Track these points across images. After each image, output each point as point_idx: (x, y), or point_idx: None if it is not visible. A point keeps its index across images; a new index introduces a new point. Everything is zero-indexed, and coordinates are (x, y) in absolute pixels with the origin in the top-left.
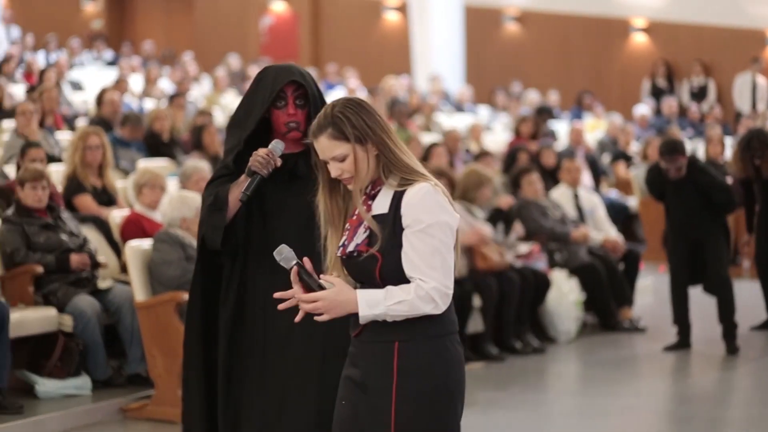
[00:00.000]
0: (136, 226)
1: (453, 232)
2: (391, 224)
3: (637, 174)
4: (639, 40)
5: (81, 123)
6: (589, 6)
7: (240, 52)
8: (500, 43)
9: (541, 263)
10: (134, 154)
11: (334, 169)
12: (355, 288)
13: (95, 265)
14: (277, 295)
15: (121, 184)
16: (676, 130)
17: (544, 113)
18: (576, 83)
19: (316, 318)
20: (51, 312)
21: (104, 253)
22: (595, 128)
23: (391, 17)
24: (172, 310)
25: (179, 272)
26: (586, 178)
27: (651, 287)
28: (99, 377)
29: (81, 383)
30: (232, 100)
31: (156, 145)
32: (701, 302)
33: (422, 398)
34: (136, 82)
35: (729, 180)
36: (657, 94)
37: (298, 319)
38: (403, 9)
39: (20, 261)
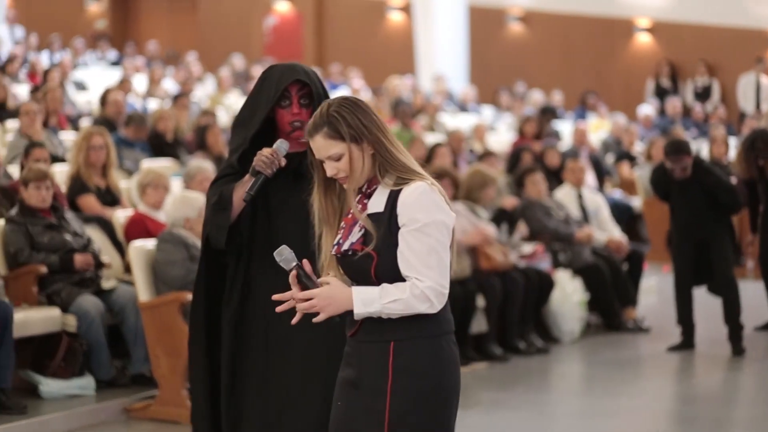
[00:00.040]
0: (139, 227)
1: (449, 231)
2: (387, 223)
3: (641, 174)
4: (643, 40)
5: (85, 123)
6: (593, 6)
7: (244, 53)
8: (504, 44)
9: (544, 263)
10: (138, 154)
11: (330, 169)
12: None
13: (99, 265)
14: (275, 297)
15: (124, 185)
16: (680, 131)
17: (547, 113)
18: (580, 83)
19: (314, 320)
20: (55, 312)
21: (108, 254)
22: (599, 128)
23: (395, 17)
24: (175, 310)
25: (183, 272)
26: (590, 178)
27: (655, 287)
28: (103, 377)
29: (85, 383)
30: (236, 101)
31: (160, 145)
32: (705, 303)
33: (417, 398)
34: (139, 82)
35: (733, 180)
36: (661, 94)
37: (294, 321)
38: (407, 9)
39: (24, 261)
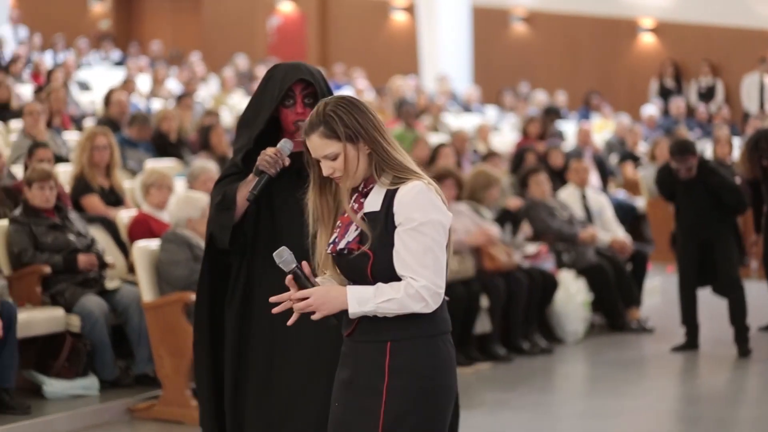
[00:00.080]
0: (143, 227)
1: (446, 231)
2: (383, 222)
3: (644, 174)
4: (647, 40)
5: (88, 123)
6: (597, 6)
7: (247, 53)
8: (508, 44)
9: (548, 264)
10: (142, 154)
11: (326, 168)
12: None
13: (103, 265)
14: (273, 299)
15: (128, 185)
16: (683, 131)
17: (551, 114)
18: (584, 83)
19: (312, 317)
20: (58, 312)
21: (112, 254)
22: (602, 129)
23: (399, 17)
24: (179, 310)
25: (187, 272)
26: (594, 178)
27: (659, 288)
28: (106, 377)
29: (88, 383)
30: (239, 101)
31: (163, 145)
32: (709, 303)
33: (413, 398)
34: (143, 82)
35: (737, 180)
36: (665, 94)
37: (291, 322)
38: (410, 9)
39: (28, 261)
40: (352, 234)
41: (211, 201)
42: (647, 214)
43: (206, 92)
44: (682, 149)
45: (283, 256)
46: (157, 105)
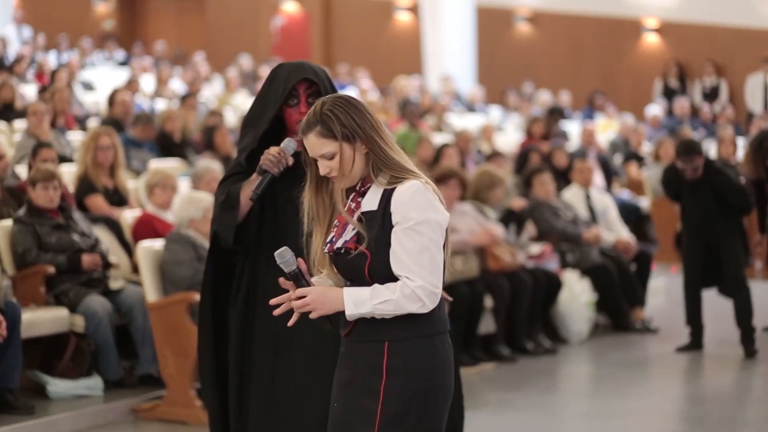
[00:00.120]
0: (147, 227)
1: (443, 231)
2: (381, 221)
3: (649, 174)
4: (651, 40)
5: (92, 123)
6: (601, 6)
7: (251, 53)
8: (512, 44)
9: (552, 264)
10: (146, 154)
11: (323, 167)
12: (345, 285)
13: (107, 265)
14: (272, 301)
15: (132, 185)
16: (688, 131)
17: (555, 114)
18: (588, 84)
19: (310, 316)
20: (62, 312)
21: (116, 254)
22: (606, 129)
23: (403, 17)
24: (183, 310)
25: (191, 272)
26: (598, 178)
27: (663, 288)
28: (111, 378)
29: (92, 384)
30: (243, 101)
31: (167, 145)
32: (714, 303)
33: (410, 398)
34: (147, 82)
35: (741, 180)
36: (669, 94)
37: (291, 322)
38: (414, 9)
39: (32, 261)
40: (349, 233)
41: (215, 200)
42: (651, 214)
43: (210, 92)
44: (688, 149)
45: (285, 257)
46: (161, 105)
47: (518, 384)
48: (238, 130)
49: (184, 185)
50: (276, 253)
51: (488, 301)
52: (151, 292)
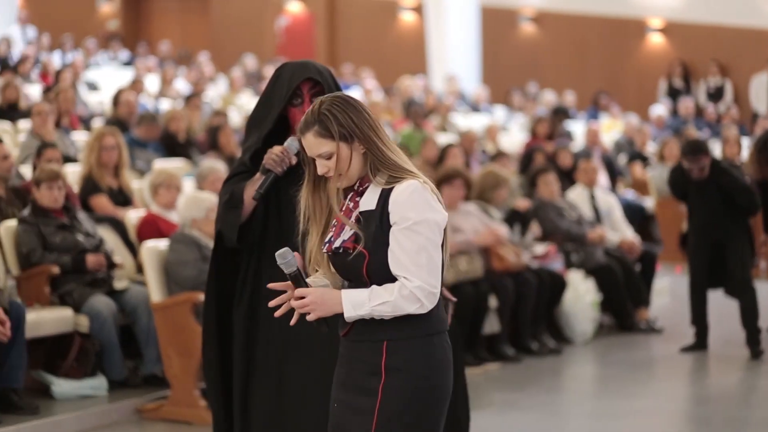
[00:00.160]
0: (152, 227)
1: (441, 231)
2: (379, 221)
3: (653, 175)
4: (655, 40)
5: (97, 123)
6: (606, 6)
7: (256, 53)
8: (516, 44)
9: (557, 264)
10: (150, 154)
11: (321, 167)
12: (343, 285)
13: (111, 265)
14: (272, 303)
15: (137, 185)
16: (692, 131)
17: (560, 114)
18: (592, 84)
19: (307, 318)
20: (67, 312)
21: (120, 254)
22: (611, 129)
23: (407, 17)
24: (188, 310)
25: (195, 272)
26: (603, 178)
27: (667, 288)
28: (115, 378)
29: (97, 384)
30: (248, 101)
31: (172, 145)
32: (719, 304)
33: (407, 397)
34: (152, 82)
35: (747, 181)
36: (673, 94)
37: (293, 322)
38: (419, 9)
39: (36, 261)
40: (347, 233)
41: (219, 199)
42: (656, 215)
43: (215, 92)
44: (695, 149)
45: (287, 258)
46: (165, 105)
47: (523, 384)
48: (242, 130)
49: (188, 185)
50: (277, 254)
51: (493, 302)
52: (155, 292)
